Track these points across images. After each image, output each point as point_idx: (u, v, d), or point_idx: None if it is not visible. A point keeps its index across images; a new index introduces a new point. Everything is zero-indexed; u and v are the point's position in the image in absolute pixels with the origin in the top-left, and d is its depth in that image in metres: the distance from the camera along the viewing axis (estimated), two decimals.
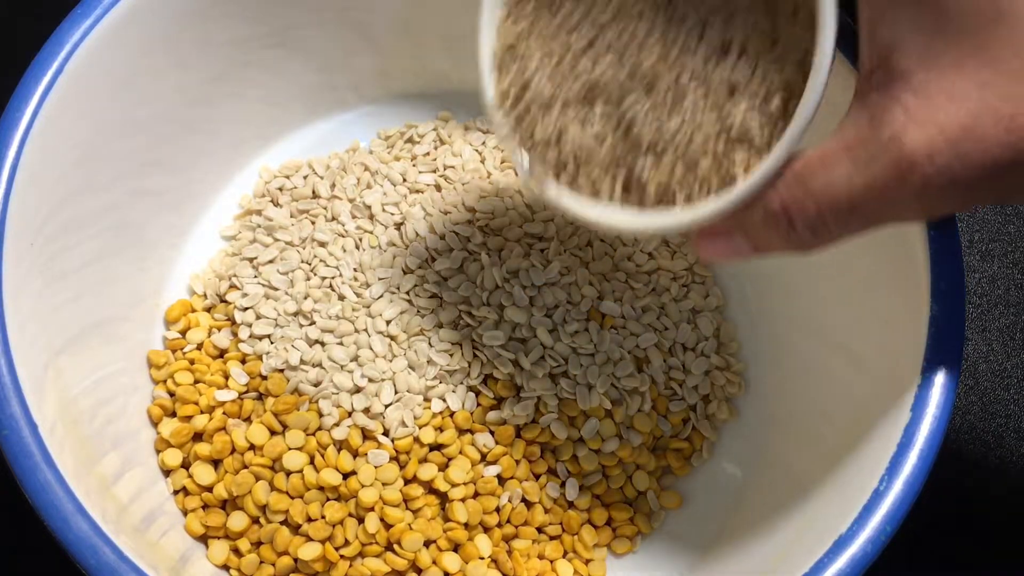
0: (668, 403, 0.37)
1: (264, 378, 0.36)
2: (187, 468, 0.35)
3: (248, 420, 0.35)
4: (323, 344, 0.36)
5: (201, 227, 0.41)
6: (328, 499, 0.34)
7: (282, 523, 0.33)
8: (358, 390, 0.35)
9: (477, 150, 0.41)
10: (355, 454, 0.34)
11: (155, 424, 0.36)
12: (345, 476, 0.34)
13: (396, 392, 0.36)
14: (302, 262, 0.38)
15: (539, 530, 0.35)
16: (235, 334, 0.37)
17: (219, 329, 0.37)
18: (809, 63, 0.23)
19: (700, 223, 0.26)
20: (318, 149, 0.42)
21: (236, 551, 0.34)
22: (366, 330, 0.37)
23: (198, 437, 0.35)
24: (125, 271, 0.37)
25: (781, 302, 0.38)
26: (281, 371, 0.36)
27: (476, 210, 0.38)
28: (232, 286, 0.38)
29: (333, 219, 0.39)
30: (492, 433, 0.36)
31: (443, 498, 0.35)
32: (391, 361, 0.36)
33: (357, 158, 0.41)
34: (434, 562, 0.33)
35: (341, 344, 0.36)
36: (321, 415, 0.35)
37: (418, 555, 0.33)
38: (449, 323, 0.36)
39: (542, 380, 0.36)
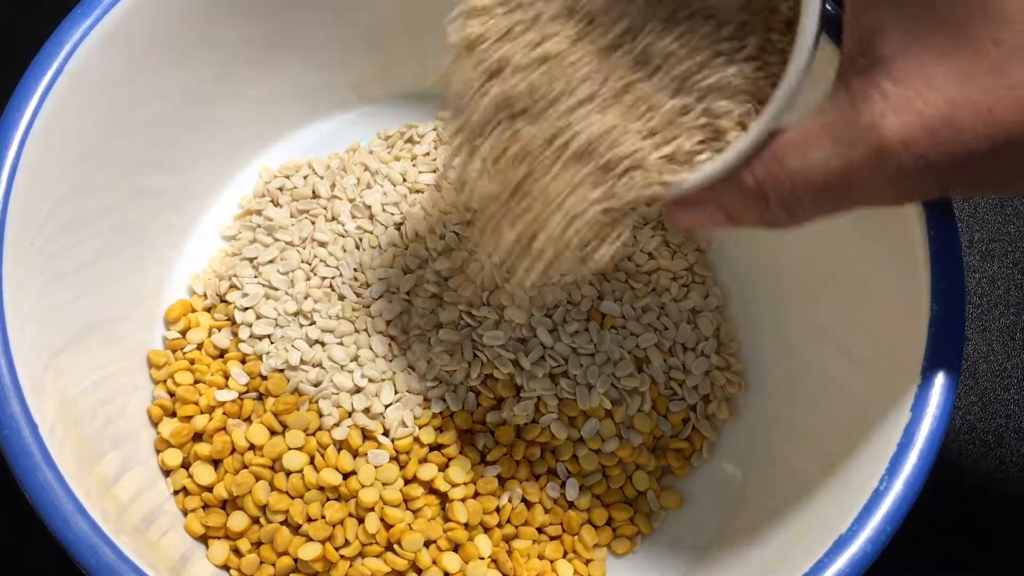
0: (668, 403, 0.37)
1: (264, 378, 0.36)
2: (187, 468, 0.35)
3: (248, 420, 0.35)
4: (323, 344, 0.36)
5: (201, 227, 0.41)
6: (328, 499, 0.34)
7: (282, 523, 0.33)
8: (358, 390, 0.35)
9: None
10: (355, 454, 0.34)
11: (155, 424, 0.36)
12: (345, 476, 0.34)
13: (396, 392, 0.36)
14: (302, 262, 0.38)
15: (539, 530, 0.35)
16: (235, 334, 0.37)
17: (219, 329, 0.37)
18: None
19: (676, 195, 0.26)
20: (318, 149, 0.42)
21: (236, 551, 0.34)
22: (366, 330, 0.37)
23: (198, 437, 0.35)
24: (125, 271, 0.37)
25: (781, 302, 0.38)
26: (281, 371, 0.36)
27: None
28: (232, 286, 0.38)
29: (333, 219, 0.39)
30: (492, 433, 0.36)
31: (443, 498, 0.35)
32: (391, 361, 0.36)
33: (357, 158, 0.41)
34: (434, 562, 0.33)
35: (341, 344, 0.36)
36: (321, 415, 0.35)
37: (418, 555, 0.33)
38: (449, 323, 0.36)
39: (542, 380, 0.36)
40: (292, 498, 0.34)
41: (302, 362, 0.36)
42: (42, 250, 0.32)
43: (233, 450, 0.35)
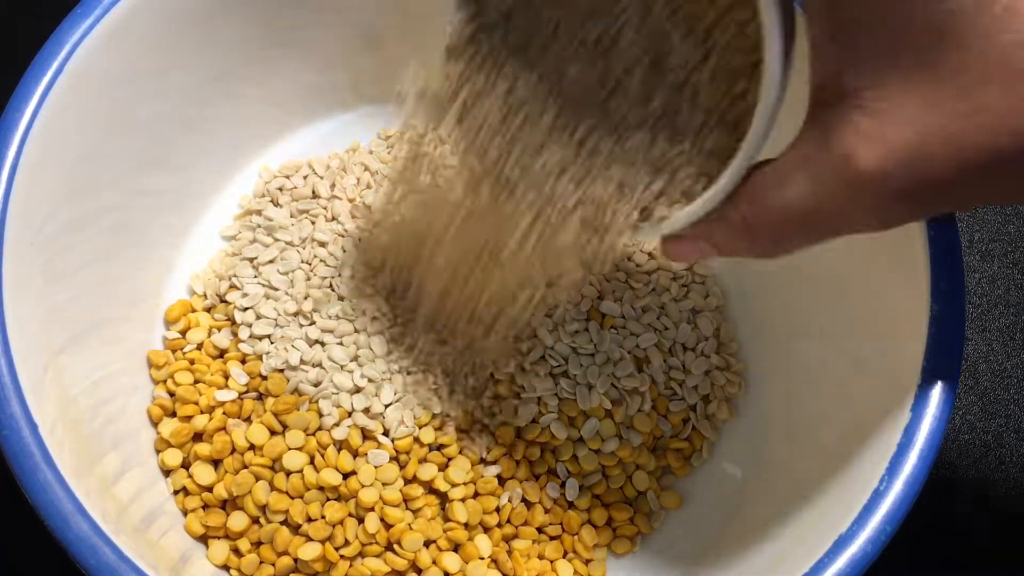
0: (668, 403, 0.37)
1: (264, 378, 0.36)
2: (187, 468, 0.35)
3: (248, 420, 0.35)
4: (323, 344, 0.36)
5: (201, 227, 0.41)
6: (328, 499, 0.34)
7: (282, 523, 0.33)
8: (358, 390, 0.35)
9: None
10: (355, 454, 0.34)
11: (155, 424, 0.36)
12: (345, 476, 0.34)
13: (396, 392, 0.36)
14: (302, 262, 0.38)
15: (539, 530, 0.35)
16: (235, 334, 0.37)
17: (219, 329, 0.37)
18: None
19: (666, 234, 0.27)
20: (318, 149, 0.42)
21: (236, 551, 0.34)
22: (366, 330, 0.37)
23: (198, 437, 0.35)
24: (125, 271, 0.37)
25: (781, 302, 0.38)
26: (281, 371, 0.36)
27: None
28: (232, 286, 0.38)
29: (333, 219, 0.39)
30: (492, 433, 0.36)
31: (443, 498, 0.35)
32: (391, 361, 0.36)
33: (357, 158, 0.41)
34: (434, 562, 0.33)
35: (341, 344, 0.36)
36: (321, 415, 0.35)
37: (418, 555, 0.33)
38: None
39: (542, 380, 0.36)
40: (292, 498, 0.34)
41: (302, 362, 0.36)
42: (42, 250, 0.32)
43: (233, 450, 0.35)
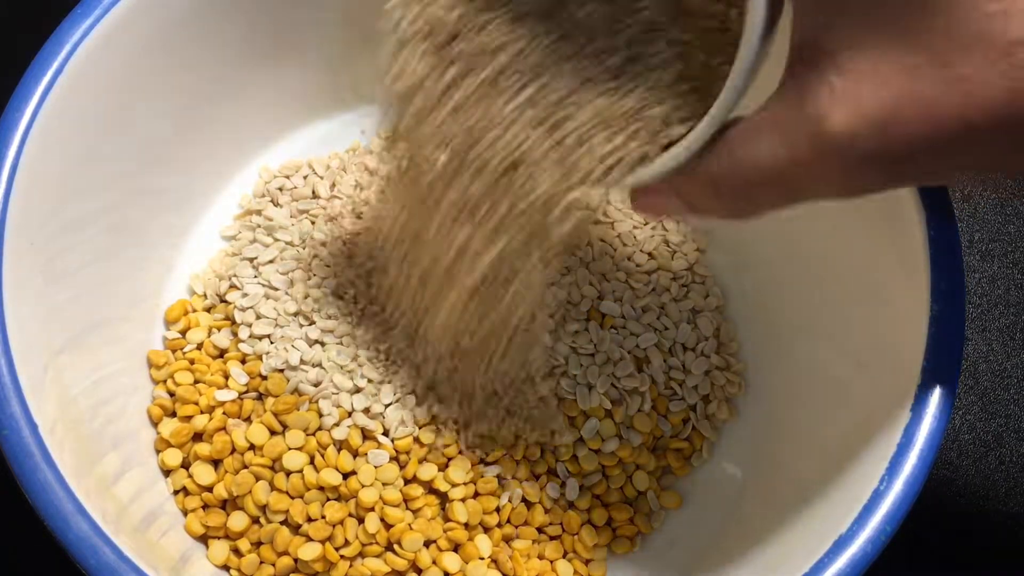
0: (668, 403, 0.37)
1: (264, 378, 0.36)
2: (187, 468, 0.35)
3: (248, 420, 0.35)
4: (323, 344, 0.36)
5: (201, 227, 0.41)
6: (328, 499, 0.34)
7: (282, 523, 0.33)
8: (358, 390, 0.35)
9: None
10: (355, 454, 0.34)
11: (155, 424, 0.36)
12: (345, 476, 0.34)
13: (396, 392, 0.36)
14: (302, 262, 0.38)
15: (539, 530, 0.35)
16: (235, 334, 0.37)
17: (219, 329, 0.37)
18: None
19: (637, 184, 0.26)
20: (318, 149, 0.42)
21: (236, 551, 0.34)
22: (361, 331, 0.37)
23: (198, 437, 0.35)
24: (125, 271, 0.37)
25: (781, 302, 0.38)
26: (281, 371, 0.36)
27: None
28: (232, 286, 0.38)
29: (333, 219, 0.39)
30: (492, 437, 0.36)
31: (443, 498, 0.35)
32: (391, 361, 0.36)
33: (357, 158, 0.41)
34: (434, 562, 0.33)
35: (341, 344, 0.36)
36: (321, 415, 0.35)
37: (418, 555, 0.33)
38: None
39: (543, 380, 0.36)
40: (292, 498, 0.34)
41: (302, 362, 0.36)
42: (42, 250, 0.32)
43: (233, 450, 0.35)
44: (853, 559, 0.27)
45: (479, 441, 0.35)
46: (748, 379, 0.38)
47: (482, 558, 0.34)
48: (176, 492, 0.35)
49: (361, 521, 0.33)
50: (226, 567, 0.34)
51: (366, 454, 0.34)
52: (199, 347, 0.37)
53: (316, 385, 0.35)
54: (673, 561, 0.36)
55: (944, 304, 0.29)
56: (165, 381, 0.36)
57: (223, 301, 0.38)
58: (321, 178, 0.41)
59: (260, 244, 0.39)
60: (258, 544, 0.34)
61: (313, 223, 0.39)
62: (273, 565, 0.33)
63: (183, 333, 0.37)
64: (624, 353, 0.37)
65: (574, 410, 0.36)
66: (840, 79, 0.21)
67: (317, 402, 0.35)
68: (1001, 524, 0.40)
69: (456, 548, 0.34)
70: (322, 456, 0.34)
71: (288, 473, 0.34)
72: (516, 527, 0.35)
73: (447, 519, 0.34)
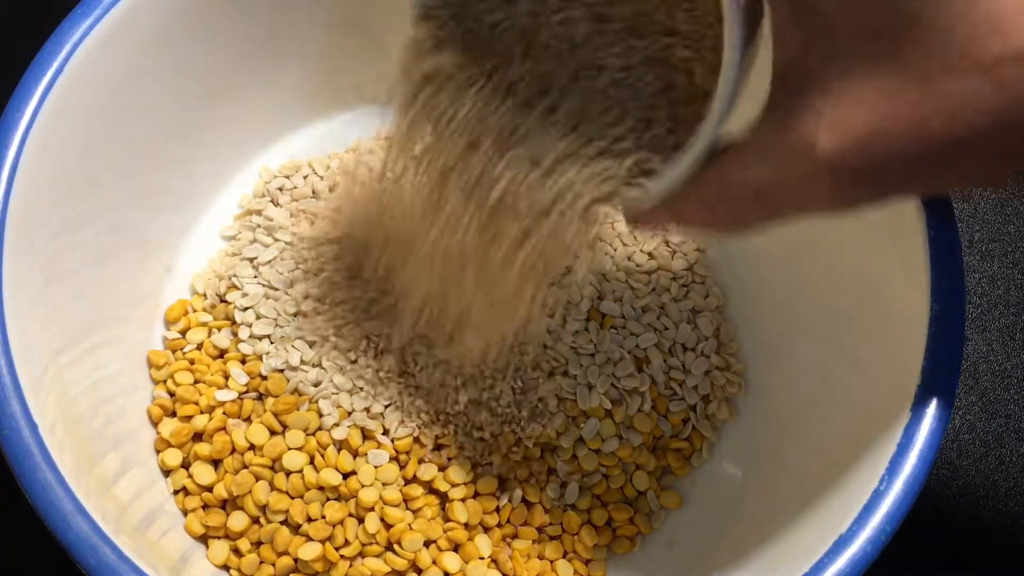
0: (668, 403, 0.37)
1: (264, 378, 0.36)
2: (187, 468, 0.35)
3: (248, 420, 0.35)
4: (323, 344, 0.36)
5: (201, 227, 0.41)
6: (328, 499, 0.34)
7: (282, 523, 0.33)
8: (358, 390, 0.35)
9: None
10: (355, 454, 0.34)
11: (155, 424, 0.36)
12: (345, 476, 0.34)
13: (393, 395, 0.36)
14: (302, 262, 0.38)
15: (539, 530, 0.35)
16: (235, 334, 0.37)
17: (219, 329, 0.37)
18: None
19: (630, 209, 0.27)
20: (318, 149, 0.42)
21: (236, 551, 0.34)
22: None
23: (198, 437, 0.35)
24: (125, 271, 0.37)
25: (781, 302, 0.38)
26: (281, 371, 0.36)
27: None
28: (232, 286, 0.38)
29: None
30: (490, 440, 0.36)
31: (443, 498, 0.35)
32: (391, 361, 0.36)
33: (362, 157, 0.41)
34: (434, 562, 0.33)
35: (339, 347, 0.36)
36: (321, 415, 0.35)
37: (418, 555, 0.33)
38: None
39: (544, 380, 0.36)
40: (292, 498, 0.34)
41: (302, 362, 0.36)
42: (42, 250, 0.32)
43: (233, 450, 0.35)
44: (853, 559, 0.27)
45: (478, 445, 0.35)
46: (748, 379, 0.38)
47: (482, 558, 0.34)
48: (176, 492, 0.35)
49: (361, 521, 0.33)
50: (226, 567, 0.34)
51: (366, 454, 0.34)
52: (199, 347, 0.37)
53: (316, 385, 0.35)
54: (673, 561, 0.36)
55: (944, 304, 0.29)
56: (165, 381, 0.36)
57: (223, 301, 0.38)
58: (321, 178, 0.41)
59: (260, 244, 0.39)
60: (258, 544, 0.34)
61: (312, 223, 0.39)
62: (273, 565, 0.33)
63: (183, 333, 0.37)
64: (624, 353, 0.37)
65: (574, 410, 0.36)
66: (826, 103, 0.21)
67: (317, 402, 0.35)
68: (1001, 524, 0.40)
69: (456, 548, 0.34)
70: (322, 456, 0.34)
71: (288, 473, 0.34)
72: (516, 527, 0.35)
73: (447, 519, 0.34)
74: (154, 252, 0.39)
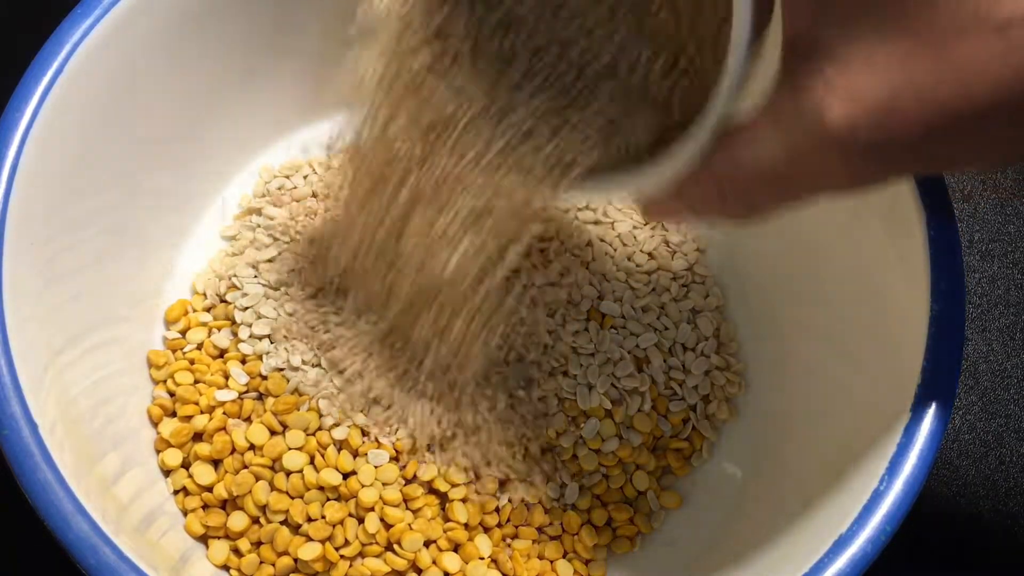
0: (668, 403, 0.37)
1: (264, 378, 0.36)
2: (187, 468, 0.35)
3: (248, 420, 0.35)
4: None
5: (201, 227, 0.41)
6: (328, 499, 0.34)
7: (282, 523, 0.33)
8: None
9: None
10: (355, 454, 0.34)
11: (155, 424, 0.36)
12: (345, 476, 0.34)
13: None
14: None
15: (539, 530, 0.35)
16: (235, 334, 0.37)
17: (219, 329, 0.37)
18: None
19: (641, 194, 0.27)
20: (318, 149, 0.42)
21: (236, 551, 0.34)
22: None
23: (198, 437, 0.35)
24: (125, 271, 0.37)
25: (781, 302, 0.38)
26: (281, 371, 0.36)
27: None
28: (232, 286, 0.38)
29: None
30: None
31: (443, 498, 0.35)
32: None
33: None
34: (434, 562, 0.33)
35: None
36: (321, 415, 0.35)
37: (418, 555, 0.33)
38: None
39: (544, 380, 0.36)
40: (292, 498, 0.34)
41: (302, 362, 0.36)
42: (42, 250, 0.32)
43: (233, 450, 0.35)
44: (853, 559, 0.27)
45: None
46: (748, 379, 0.38)
47: (482, 558, 0.34)
48: (176, 492, 0.35)
49: (361, 521, 0.33)
50: (226, 567, 0.34)
51: (366, 454, 0.34)
52: (199, 347, 0.37)
53: (316, 385, 0.35)
54: (673, 561, 0.36)
55: (944, 304, 0.29)
56: (165, 381, 0.36)
57: (223, 301, 0.38)
58: (321, 178, 0.41)
59: (260, 244, 0.39)
60: (258, 544, 0.34)
61: (311, 223, 0.39)
62: (273, 565, 0.33)
63: (183, 333, 0.37)
64: (624, 353, 0.37)
65: (574, 410, 0.36)
66: (835, 70, 0.21)
67: (317, 402, 0.35)
68: (1001, 524, 0.40)
69: (456, 548, 0.34)
70: (322, 456, 0.34)
71: (288, 473, 0.34)
72: (516, 527, 0.35)
73: (447, 519, 0.34)
74: (154, 252, 0.39)
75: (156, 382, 0.37)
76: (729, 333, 0.39)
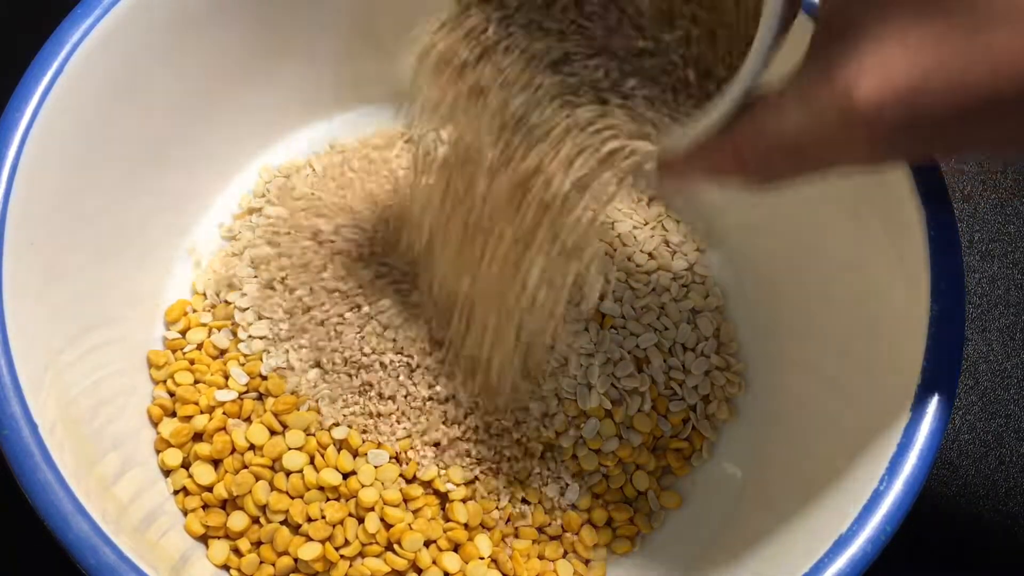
0: (668, 403, 0.37)
1: (264, 378, 0.36)
2: (187, 468, 0.35)
3: (248, 420, 0.35)
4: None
5: (201, 227, 0.41)
6: (328, 499, 0.34)
7: (282, 523, 0.33)
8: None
9: None
10: (355, 454, 0.34)
11: (155, 424, 0.36)
12: (345, 476, 0.34)
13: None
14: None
15: (539, 530, 0.35)
16: (235, 334, 0.37)
17: (219, 329, 0.37)
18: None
19: (664, 157, 0.27)
20: (318, 149, 0.42)
21: (236, 551, 0.34)
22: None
23: (198, 437, 0.35)
24: (125, 271, 0.37)
25: (781, 302, 0.38)
26: (281, 371, 0.36)
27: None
28: (232, 286, 0.38)
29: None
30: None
31: (443, 498, 0.35)
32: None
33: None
34: (434, 562, 0.33)
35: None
36: (321, 415, 0.35)
37: (418, 555, 0.33)
38: None
39: (545, 380, 0.36)
40: (292, 498, 0.34)
41: (301, 362, 0.36)
42: (42, 250, 0.32)
43: (233, 450, 0.35)
44: (853, 559, 0.27)
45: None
46: (748, 379, 0.38)
47: (482, 558, 0.34)
48: (176, 492, 0.35)
49: (361, 521, 0.33)
50: (226, 567, 0.34)
51: (366, 454, 0.34)
52: (199, 347, 0.37)
53: (316, 385, 0.35)
54: (673, 561, 0.36)
55: (944, 304, 0.29)
56: (165, 381, 0.36)
57: (223, 301, 0.38)
58: (321, 178, 0.41)
59: (260, 244, 0.39)
60: (258, 544, 0.34)
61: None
62: (273, 565, 0.33)
63: (183, 333, 0.37)
64: (624, 353, 0.37)
65: (574, 410, 0.36)
66: (867, 49, 0.21)
67: (317, 402, 0.35)
68: (1001, 524, 0.40)
69: (456, 548, 0.34)
70: (322, 456, 0.34)
71: (288, 473, 0.34)
72: (516, 527, 0.35)
73: (447, 519, 0.34)
74: (154, 252, 0.39)
75: (156, 382, 0.37)
76: (729, 333, 0.39)
